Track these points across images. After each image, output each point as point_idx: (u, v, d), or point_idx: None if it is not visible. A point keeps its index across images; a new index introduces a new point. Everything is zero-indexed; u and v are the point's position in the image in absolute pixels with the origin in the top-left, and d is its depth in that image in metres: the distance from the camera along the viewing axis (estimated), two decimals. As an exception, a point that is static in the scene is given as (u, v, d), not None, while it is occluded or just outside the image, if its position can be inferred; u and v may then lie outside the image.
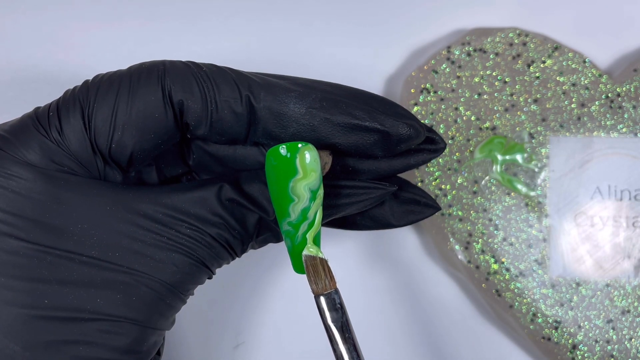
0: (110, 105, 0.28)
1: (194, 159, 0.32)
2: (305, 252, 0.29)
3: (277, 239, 0.31)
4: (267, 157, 0.28)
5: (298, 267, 0.30)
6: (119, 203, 0.28)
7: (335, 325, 0.28)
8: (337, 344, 0.28)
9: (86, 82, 0.29)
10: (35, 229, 0.27)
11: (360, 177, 0.31)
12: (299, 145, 0.28)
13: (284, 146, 0.28)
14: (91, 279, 0.27)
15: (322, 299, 0.28)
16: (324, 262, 0.29)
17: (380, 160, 0.31)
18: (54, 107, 0.28)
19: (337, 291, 0.29)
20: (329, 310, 0.28)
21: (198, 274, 0.29)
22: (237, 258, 0.31)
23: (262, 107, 0.28)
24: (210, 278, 0.31)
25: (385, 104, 0.30)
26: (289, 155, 0.28)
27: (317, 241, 0.29)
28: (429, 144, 0.31)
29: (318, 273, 0.29)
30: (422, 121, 0.40)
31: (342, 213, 0.31)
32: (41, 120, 0.28)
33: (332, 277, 0.29)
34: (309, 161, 0.28)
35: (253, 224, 0.30)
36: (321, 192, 0.28)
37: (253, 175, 0.30)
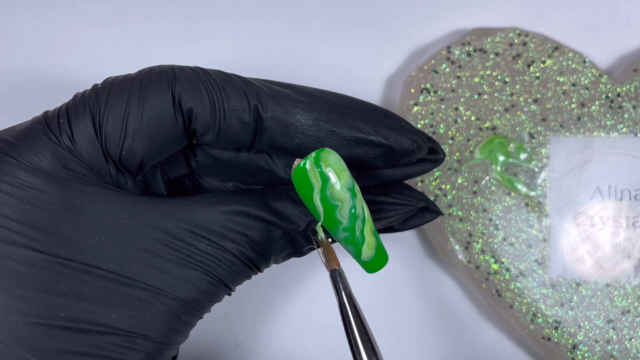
0: (121, 112, 0.27)
1: (197, 161, 0.32)
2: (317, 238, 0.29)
3: (300, 253, 0.31)
4: (294, 179, 0.27)
5: (369, 268, 0.29)
6: (137, 216, 0.28)
7: (338, 301, 0.28)
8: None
9: (95, 86, 0.28)
10: (52, 241, 0.27)
11: (365, 183, 0.31)
12: (315, 154, 0.27)
13: (304, 161, 0.27)
14: (107, 293, 0.27)
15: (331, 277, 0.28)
16: (322, 244, 0.29)
17: (383, 169, 0.31)
18: (64, 112, 0.28)
19: (334, 271, 0.28)
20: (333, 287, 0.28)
21: (216, 292, 0.29)
22: (259, 273, 0.30)
23: (270, 117, 0.28)
24: (229, 295, 0.30)
25: (390, 117, 0.30)
26: (313, 167, 0.27)
27: (375, 233, 0.29)
28: (430, 154, 0.32)
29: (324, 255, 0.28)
30: (422, 121, 0.40)
31: None
32: (51, 126, 0.28)
33: (330, 258, 0.28)
34: (334, 163, 0.27)
35: (277, 239, 0.29)
36: (357, 186, 0.28)
37: (280, 192, 0.30)
